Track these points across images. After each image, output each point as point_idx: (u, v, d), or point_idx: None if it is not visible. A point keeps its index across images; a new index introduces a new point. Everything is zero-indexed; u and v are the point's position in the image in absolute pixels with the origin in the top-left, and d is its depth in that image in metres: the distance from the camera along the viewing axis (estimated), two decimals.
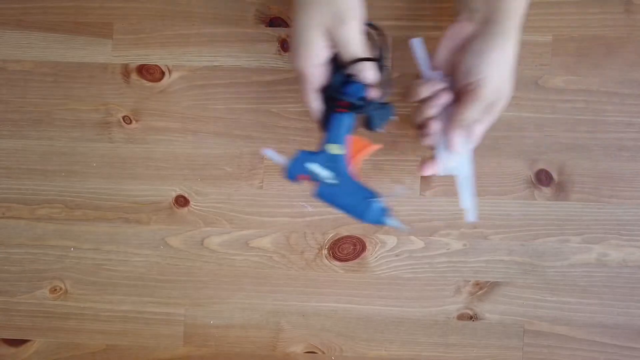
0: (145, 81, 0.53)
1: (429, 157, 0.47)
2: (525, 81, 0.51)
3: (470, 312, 0.52)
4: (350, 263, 0.53)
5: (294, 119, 0.53)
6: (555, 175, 0.52)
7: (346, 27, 0.40)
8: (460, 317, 0.53)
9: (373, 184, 0.52)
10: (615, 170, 0.51)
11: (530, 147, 0.52)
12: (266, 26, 0.53)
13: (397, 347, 0.53)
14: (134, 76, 0.53)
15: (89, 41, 0.53)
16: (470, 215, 0.46)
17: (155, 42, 0.53)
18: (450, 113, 0.44)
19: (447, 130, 0.44)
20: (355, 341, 0.53)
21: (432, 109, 0.44)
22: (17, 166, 0.54)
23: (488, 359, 0.52)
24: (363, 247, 0.53)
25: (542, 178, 0.52)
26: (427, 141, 0.46)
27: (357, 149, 0.43)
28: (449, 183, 0.52)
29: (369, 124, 0.44)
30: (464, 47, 0.43)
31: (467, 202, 0.46)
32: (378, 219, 0.42)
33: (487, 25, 0.43)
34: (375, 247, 0.53)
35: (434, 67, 0.46)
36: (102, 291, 0.54)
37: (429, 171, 0.46)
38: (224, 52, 0.53)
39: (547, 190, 0.52)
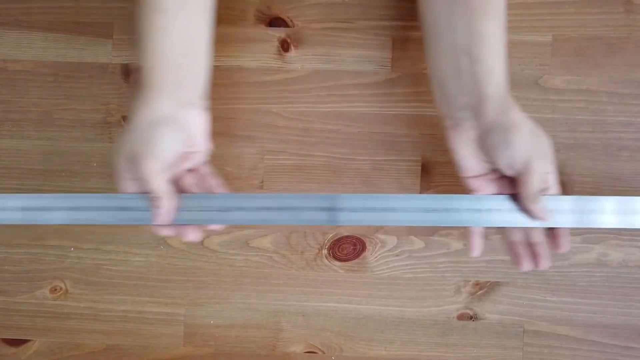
0: None
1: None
2: (525, 81, 0.51)
3: (470, 312, 0.52)
4: (350, 263, 0.53)
5: (294, 119, 0.53)
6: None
7: (139, 167, 0.40)
8: (460, 317, 0.53)
9: (373, 184, 0.52)
10: (615, 170, 0.51)
11: None
12: (266, 26, 0.53)
13: (397, 347, 0.53)
14: (134, 76, 0.53)
15: (89, 41, 0.53)
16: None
17: None
18: (519, 198, 0.43)
19: (527, 211, 0.42)
20: (355, 341, 0.53)
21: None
22: (17, 166, 0.54)
23: (488, 359, 0.52)
24: (363, 247, 0.53)
25: None
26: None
27: None
28: (449, 183, 0.52)
29: None
30: (485, 147, 0.42)
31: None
32: None
33: (486, 118, 0.41)
34: (375, 247, 0.53)
35: (472, 177, 0.44)
36: (102, 291, 0.54)
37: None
38: (224, 52, 0.53)
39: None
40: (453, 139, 0.43)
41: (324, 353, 0.53)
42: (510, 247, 0.44)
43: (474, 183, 0.44)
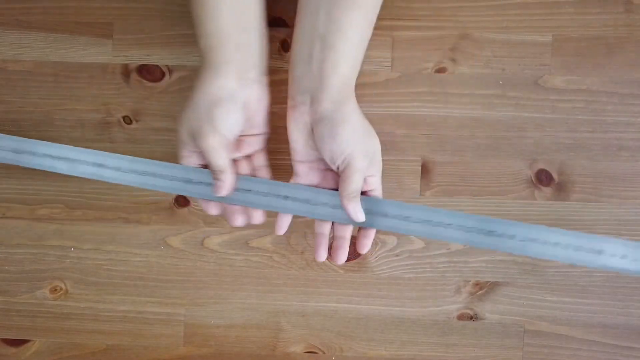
0: (145, 81, 0.53)
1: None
2: (525, 81, 0.51)
3: (471, 312, 0.52)
4: (350, 263, 0.53)
5: None
6: (555, 175, 0.52)
7: (203, 142, 0.42)
8: (461, 317, 0.53)
9: None
10: (615, 170, 0.51)
11: (530, 147, 0.52)
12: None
13: (397, 347, 0.53)
14: (134, 76, 0.53)
15: (89, 41, 0.53)
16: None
17: (155, 42, 0.53)
18: (339, 193, 0.44)
19: (343, 207, 0.44)
20: (355, 341, 0.53)
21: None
22: (17, 166, 0.54)
23: (488, 359, 0.52)
24: None
25: (542, 178, 0.52)
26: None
27: None
28: (449, 183, 0.52)
29: None
30: (315, 134, 0.43)
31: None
32: None
33: (320, 106, 0.42)
34: (376, 247, 0.53)
35: (299, 161, 0.45)
36: (102, 291, 0.54)
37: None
38: None
39: (547, 190, 0.52)
40: (289, 121, 0.44)
41: (324, 353, 0.53)
42: (316, 236, 0.45)
43: (300, 168, 0.45)
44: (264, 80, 0.45)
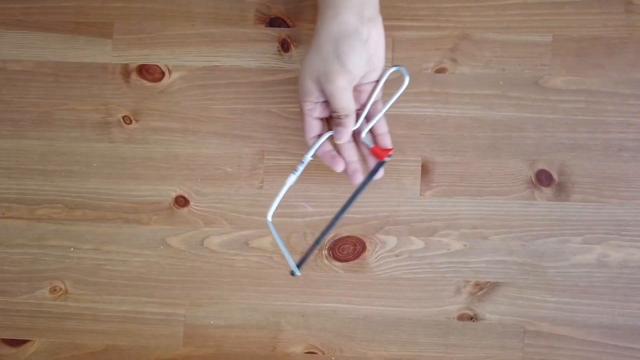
0: (145, 81, 0.53)
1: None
2: (526, 81, 0.51)
3: (471, 313, 0.52)
4: (350, 263, 0.53)
5: (294, 119, 0.53)
6: (555, 176, 0.52)
7: (331, 85, 0.43)
8: (461, 317, 0.52)
9: (373, 184, 0.52)
10: (615, 171, 0.51)
11: (530, 147, 0.52)
12: (266, 26, 0.53)
13: (397, 347, 0.53)
14: (134, 76, 0.53)
15: (89, 41, 0.53)
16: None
17: (155, 42, 0.53)
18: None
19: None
20: (355, 341, 0.53)
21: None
22: (17, 166, 0.54)
23: (488, 359, 0.52)
24: (363, 248, 0.53)
25: (542, 178, 0.52)
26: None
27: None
28: (449, 183, 0.52)
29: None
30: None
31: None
32: None
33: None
34: (376, 248, 0.53)
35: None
36: (102, 291, 0.54)
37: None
38: (224, 52, 0.53)
39: (547, 191, 0.52)
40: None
41: (324, 354, 0.53)
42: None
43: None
44: (380, 19, 0.45)
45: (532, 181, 0.52)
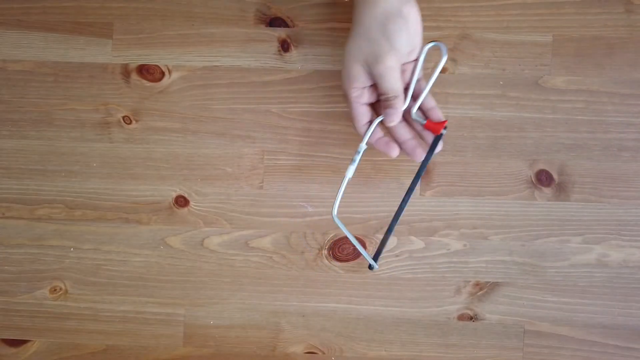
0: (145, 81, 0.53)
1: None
2: (525, 81, 0.51)
3: (471, 313, 0.52)
4: (350, 263, 0.53)
5: (294, 119, 0.53)
6: (555, 176, 0.52)
7: (380, 65, 0.43)
8: (461, 317, 0.52)
9: (373, 184, 0.52)
10: (615, 171, 0.51)
11: (530, 147, 0.52)
12: (266, 26, 0.53)
13: (397, 347, 0.53)
14: (134, 76, 0.53)
15: (89, 41, 0.53)
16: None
17: (155, 42, 0.53)
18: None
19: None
20: (355, 341, 0.53)
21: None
22: (17, 166, 0.54)
23: None
24: (363, 248, 0.52)
25: (542, 178, 0.52)
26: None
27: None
28: (449, 183, 0.52)
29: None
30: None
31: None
32: None
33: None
34: (376, 248, 0.52)
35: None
36: (102, 291, 0.54)
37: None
38: (224, 52, 0.53)
39: (547, 191, 0.52)
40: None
41: (324, 354, 0.53)
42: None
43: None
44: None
45: (532, 181, 0.52)
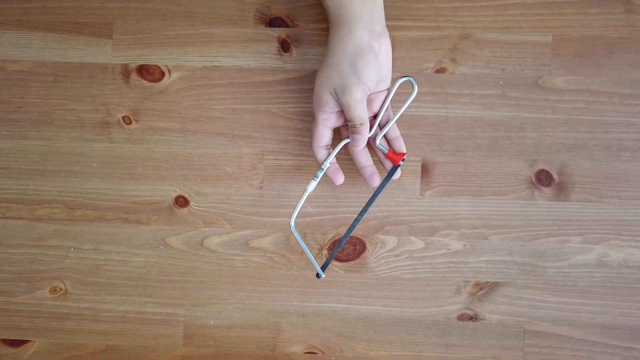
0: (145, 81, 0.53)
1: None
2: (525, 81, 0.51)
3: (471, 313, 0.52)
4: (350, 263, 0.53)
5: (294, 119, 0.53)
6: (555, 176, 0.52)
7: (347, 96, 0.45)
8: (461, 317, 0.52)
9: (373, 185, 0.52)
10: (615, 171, 0.51)
11: (530, 147, 0.52)
12: (266, 26, 0.53)
13: (397, 347, 0.53)
14: (134, 76, 0.53)
15: (89, 41, 0.53)
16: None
17: (155, 42, 0.53)
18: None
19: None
20: (355, 341, 0.53)
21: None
22: (17, 166, 0.54)
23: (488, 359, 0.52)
24: (363, 248, 0.53)
25: (542, 178, 0.52)
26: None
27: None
28: (449, 183, 0.52)
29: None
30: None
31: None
32: None
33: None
34: (375, 248, 0.52)
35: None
36: (101, 291, 0.54)
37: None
38: (224, 52, 0.53)
39: (547, 191, 0.52)
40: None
41: (323, 354, 0.53)
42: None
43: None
44: (387, 33, 0.47)
45: (532, 181, 0.52)
